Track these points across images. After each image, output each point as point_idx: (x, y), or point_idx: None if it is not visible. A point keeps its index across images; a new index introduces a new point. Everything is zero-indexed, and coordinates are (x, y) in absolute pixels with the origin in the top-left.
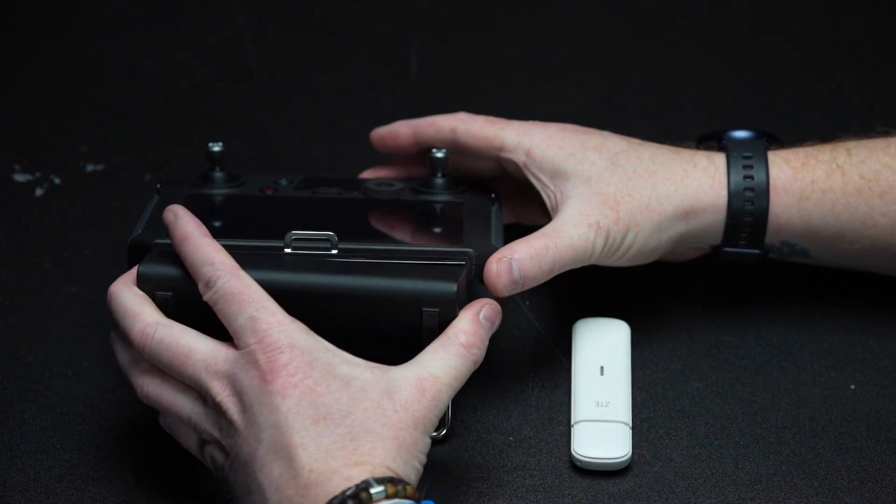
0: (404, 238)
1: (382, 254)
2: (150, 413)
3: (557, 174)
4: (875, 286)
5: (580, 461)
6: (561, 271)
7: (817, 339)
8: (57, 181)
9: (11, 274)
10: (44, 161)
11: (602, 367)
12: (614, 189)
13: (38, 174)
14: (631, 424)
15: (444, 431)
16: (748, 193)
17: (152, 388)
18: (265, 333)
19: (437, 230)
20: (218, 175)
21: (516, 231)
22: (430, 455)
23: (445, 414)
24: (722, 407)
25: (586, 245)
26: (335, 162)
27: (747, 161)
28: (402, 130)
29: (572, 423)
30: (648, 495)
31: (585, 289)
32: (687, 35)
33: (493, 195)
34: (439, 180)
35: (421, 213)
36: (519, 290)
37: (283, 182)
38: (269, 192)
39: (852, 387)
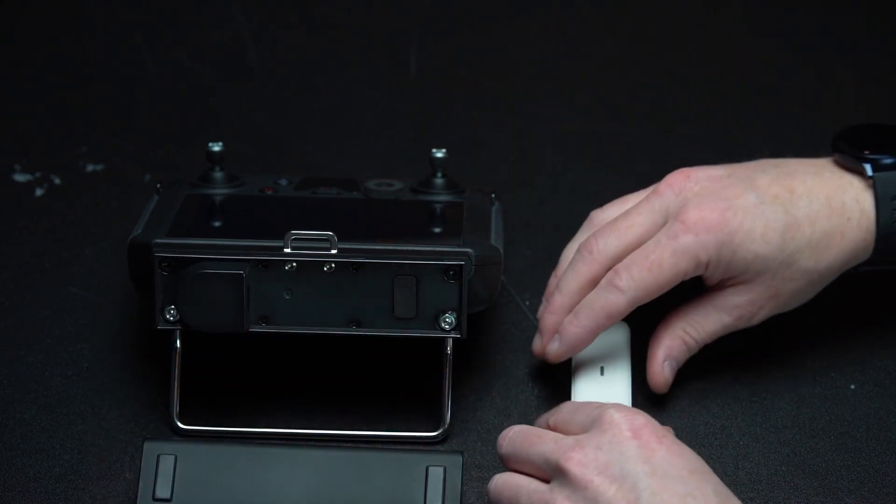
0: (404, 238)
1: (382, 254)
2: (149, 412)
3: (735, 267)
4: (875, 286)
5: None
6: None
7: (817, 339)
8: (57, 181)
9: (11, 274)
10: (44, 161)
11: (602, 368)
12: (779, 280)
13: (38, 174)
14: None
15: (442, 430)
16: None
17: (499, 478)
18: (616, 408)
19: (437, 230)
20: (218, 175)
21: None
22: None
23: (444, 413)
24: (722, 407)
25: (725, 329)
26: (335, 162)
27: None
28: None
29: None
30: None
31: None
32: (687, 35)
33: (493, 195)
34: (439, 180)
35: (421, 213)
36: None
37: (283, 182)
38: (269, 192)
39: (852, 387)
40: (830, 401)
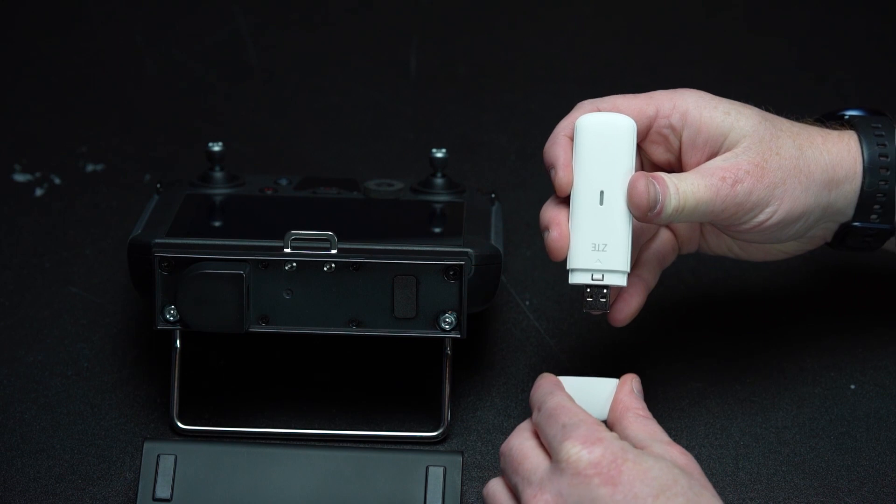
0: (404, 238)
1: (382, 254)
2: (149, 412)
3: (712, 136)
4: (875, 286)
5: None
6: (688, 220)
7: (817, 339)
8: (57, 181)
9: (11, 274)
10: (44, 161)
11: (602, 193)
12: (765, 148)
13: (38, 174)
14: (628, 271)
15: (442, 430)
16: (883, 173)
17: (492, 485)
18: (573, 440)
19: (437, 230)
20: (218, 175)
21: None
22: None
23: (444, 413)
24: (722, 407)
25: (714, 197)
26: (335, 162)
27: (879, 135)
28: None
29: (567, 268)
30: None
31: None
32: (686, 35)
33: (493, 195)
34: (439, 180)
35: (421, 213)
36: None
37: (283, 182)
38: (269, 192)
39: (852, 387)
40: (830, 401)
